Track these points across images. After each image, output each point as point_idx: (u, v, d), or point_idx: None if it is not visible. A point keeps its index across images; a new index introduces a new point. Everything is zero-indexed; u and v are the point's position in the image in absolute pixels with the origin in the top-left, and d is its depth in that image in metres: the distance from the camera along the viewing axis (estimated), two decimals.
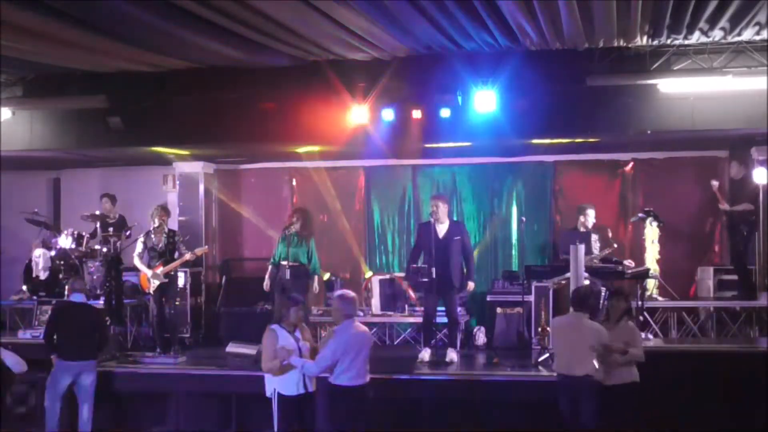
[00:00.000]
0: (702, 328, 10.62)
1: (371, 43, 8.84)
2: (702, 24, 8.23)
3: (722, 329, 10.47)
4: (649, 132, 9.78)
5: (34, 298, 11.04)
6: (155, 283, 9.83)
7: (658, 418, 7.78)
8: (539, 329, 9.77)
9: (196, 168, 12.40)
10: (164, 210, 10.22)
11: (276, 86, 9.87)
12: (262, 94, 9.96)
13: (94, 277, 11.18)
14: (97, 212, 11.74)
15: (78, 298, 8.52)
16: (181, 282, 10.93)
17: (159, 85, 10.06)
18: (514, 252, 11.97)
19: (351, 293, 7.02)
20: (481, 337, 10.84)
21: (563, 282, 9.65)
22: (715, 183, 10.72)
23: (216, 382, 8.86)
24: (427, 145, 10.90)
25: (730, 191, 10.95)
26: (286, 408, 6.84)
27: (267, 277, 9.81)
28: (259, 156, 12.54)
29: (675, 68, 9.22)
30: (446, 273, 9.19)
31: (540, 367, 8.68)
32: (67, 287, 9.03)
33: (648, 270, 10.21)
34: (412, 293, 10.91)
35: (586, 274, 9.04)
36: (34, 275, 11.32)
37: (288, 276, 9.51)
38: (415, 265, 9.80)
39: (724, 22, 8.13)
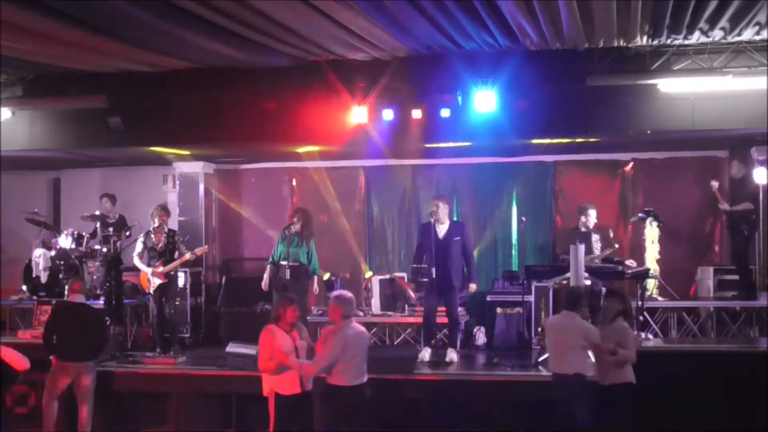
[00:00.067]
0: (702, 328, 10.61)
1: (371, 43, 8.84)
2: (702, 24, 8.23)
3: (722, 329, 10.47)
4: (649, 132, 9.79)
5: (34, 298, 11.03)
6: (155, 283, 9.83)
7: (658, 418, 7.77)
8: (539, 329, 9.78)
9: (196, 168, 12.41)
10: (164, 210, 10.23)
11: (276, 86, 9.88)
12: (262, 94, 9.96)
13: (94, 277, 11.19)
14: (97, 212, 11.75)
15: (77, 298, 8.52)
16: (181, 282, 10.93)
17: (159, 85, 10.07)
18: (514, 252, 11.98)
19: (348, 294, 7.04)
20: (481, 337, 10.84)
21: (564, 282, 9.64)
22: (714, 183, 10.71)
23: (216, 382, 8.85)
24: (427, 145, 10.90)
25: (731, 191, 10.95)
26: (284, 407, 6.85)
27: (265, 276, 9.82)
28: (259, 156, 12.55)
29: (675, 68, 9.23)
30: (446, 273, 9.19)
31: (540, 367, 8.67)
32: (66, 287, 9.03)
33: (648, 270, 10.20)
34: (412, 293, 10.91)
35: (587, 274, 9.04)
36: (34, 275, 11.33)
37: (288, 276, 9.51)
38: (415, 265, 9.80)
39: (724, 22, 8.13)
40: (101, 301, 10.23)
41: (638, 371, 7.14)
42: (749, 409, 8.00)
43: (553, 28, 8.31)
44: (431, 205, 9.58)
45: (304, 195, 12.53)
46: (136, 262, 10.00)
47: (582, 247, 8.86)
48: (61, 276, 11.09)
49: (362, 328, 7.12)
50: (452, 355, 9.30)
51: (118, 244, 11.01)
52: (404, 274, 11.22)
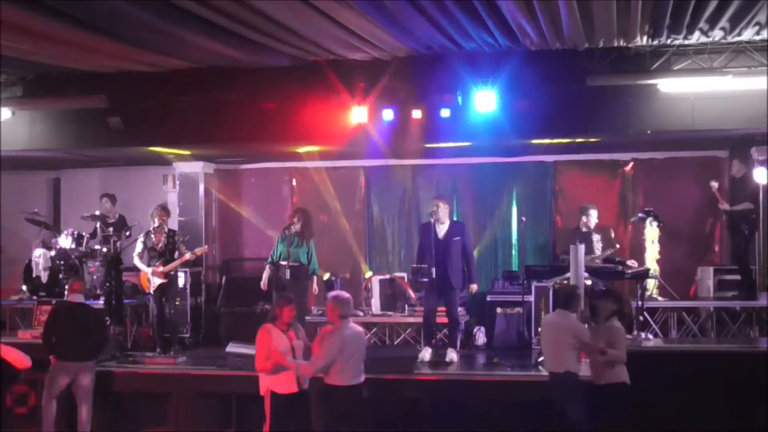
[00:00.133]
0: (702, 328, 10.61)
1: (371, 43, 8.84)
2: (702, 24, 8.23)
3: (722, 329, 10.47)
4: (649, 132, 9.78)
5: (34, 298, 11.03)
6: (155, 283, 9.83)
7: (658, 418, 7.77)
8: (539, 329, 9.77)
9: (196, 168, 12.41)
10: (164, 210, 10.23)
11: (276, 86, 9.88)
12: (262, 94, 9.96)
13: (94, 277, 11.19)
14: (97, 212, 11.75)
15: (77, 298, 8.52)
16: (181, 282, 10.93)
17: (159, 85, 10.06)
18: (514, 252, 11.98)
19: (345, 294, 7.06)
20: (481, 337, 10.84)
21: (564, 282, 9.64)
22: (714, 184, 10.70)
23: (216, 382, 8.85)
24: (427, 145, 10.90)
25: (731, 191, 10.94)
26: (280, 407, 6.85)
27: (264, 275, 9.81)
28: (259, 156, 12.54)
29: (675, 68, 9.22)
30: (446, 273, 9.20)
31: (540, 367, 8.65)
32: (66, 287, 9.02)
33: (648, 270, 10.20)
34: (412, 293, 10.91)
35: (587, 274, 9.04)
36: (34, 275, 11.33)
37: (288, 276, 9.51)
38: (415, 265, 9.80)
39: (724, 22, 8.13)
40: (101, 301, 10.22)
41: (638, 371, 7.15)
42: (749, 409, 8.00)
43: (553, 28, 8.31)
44: (431, 205, 9.57)
45: (304, 195, 12.53)
46: (136, 262, 10.00)
47: (582, 247, 8.87)
48: (61, 276, 11.09)
49: (359, 328, 7.13)
50: (452, 355, 9.30)
51: (118, 244, 11.01)
52: (404, 274, 11.22)
